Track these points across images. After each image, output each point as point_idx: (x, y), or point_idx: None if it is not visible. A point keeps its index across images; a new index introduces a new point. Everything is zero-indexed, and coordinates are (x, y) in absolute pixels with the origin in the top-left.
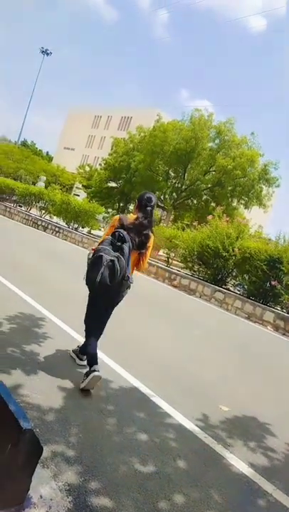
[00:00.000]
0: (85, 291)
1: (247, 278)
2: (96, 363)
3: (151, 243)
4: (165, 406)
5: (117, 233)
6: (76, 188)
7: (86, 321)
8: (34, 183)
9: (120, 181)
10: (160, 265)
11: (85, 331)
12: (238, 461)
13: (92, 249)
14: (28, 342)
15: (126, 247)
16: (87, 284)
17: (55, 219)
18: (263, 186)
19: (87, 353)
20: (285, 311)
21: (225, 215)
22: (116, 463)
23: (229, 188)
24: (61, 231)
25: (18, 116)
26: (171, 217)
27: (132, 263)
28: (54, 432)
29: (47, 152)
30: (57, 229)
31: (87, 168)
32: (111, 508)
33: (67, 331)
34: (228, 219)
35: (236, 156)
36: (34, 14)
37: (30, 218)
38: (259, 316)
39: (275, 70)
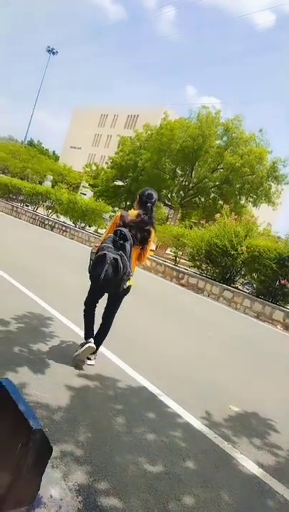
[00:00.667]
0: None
1: (256, 277)
2: (91, 336)
3: (152, 238)
4: (174, 405)
5: (118, 231)
6: (83, 187)
7: (85, 303)
8: (41, 183)
9: (127, 180)
10: (168, 264)
11: (84, 310)
12: (248, 462)
13: (96, 246)
14: (36, 341)
15: (128, 245)
16: (91, 278)
17: (62, 218)
18: (272, 184)
19: (85, 327)
20: None
21: (233, 213)
22: (125, 463)
23: (237, 186)
24: (68, 230)
25: (25, 116)
26: (179, 215)
27: (134, 257)
28: (63, 432)
29: (53, 151)
30: (64, 228)
31: (94, 167)
32: (121, 509)
33: (75, 330)
34: (236, 217)
35: (244, 153)
36: (39, 13)
37: (37, 218)
38: (268, 315)
39: (282, 66)
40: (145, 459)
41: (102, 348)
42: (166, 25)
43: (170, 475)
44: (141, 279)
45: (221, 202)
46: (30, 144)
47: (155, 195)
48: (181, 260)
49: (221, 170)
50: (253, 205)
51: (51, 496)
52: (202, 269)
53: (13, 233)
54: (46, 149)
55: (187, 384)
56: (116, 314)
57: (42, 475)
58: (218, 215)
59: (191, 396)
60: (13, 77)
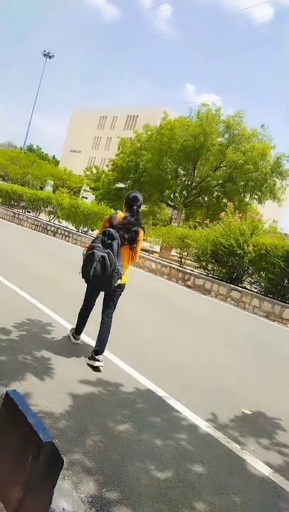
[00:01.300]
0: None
1: (264, 275)
2: (80, 332)
3: (141, 238)
4: (184, 410)
5: (106, 232)
6: (84, 190)
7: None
8: (41, 188)
9: (129, 182)
10: (173, 265)
11: (80, 309)
12: (264, 466)
13: (86, 247)
14: (39, 348)
15: (115, 244)
16: (82, 276)
17: (64, 223)
18: (276, 179)
19: (76, 324)
20: None
21: (237, 211)
22: (137, 472)
23: (241, 183)
24: (71, 235)
25: (23, 122)
26: (183, 215)
27: (126, 257)
28: (73, 442)
29: (53, 156)
30: (66, 233)
31: (94, 170)
32: None
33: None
34: (240, 215)
35: (247, 150)
36: (35, 16)
37: (39, 224)
38: (278, 314)
39: (283, 60)
40: (157, 467)
41: (107, 353)
42: (163, 24)
43: (184, 483)
44: (146, 282)
45: (225, 200)
46: (30, 149)
47: (140, 198)
48: (187, 261)
49: (224, 168)
50: (258, 202)
51: (64, 510)
52: (208, 270)
53: (14, 240)
54: (46, 154)
55: (196, 387)
56: (115, 313)
57: (54, 488)
58: (222, 214)
59: (200, 399)
60: (10, 82)
